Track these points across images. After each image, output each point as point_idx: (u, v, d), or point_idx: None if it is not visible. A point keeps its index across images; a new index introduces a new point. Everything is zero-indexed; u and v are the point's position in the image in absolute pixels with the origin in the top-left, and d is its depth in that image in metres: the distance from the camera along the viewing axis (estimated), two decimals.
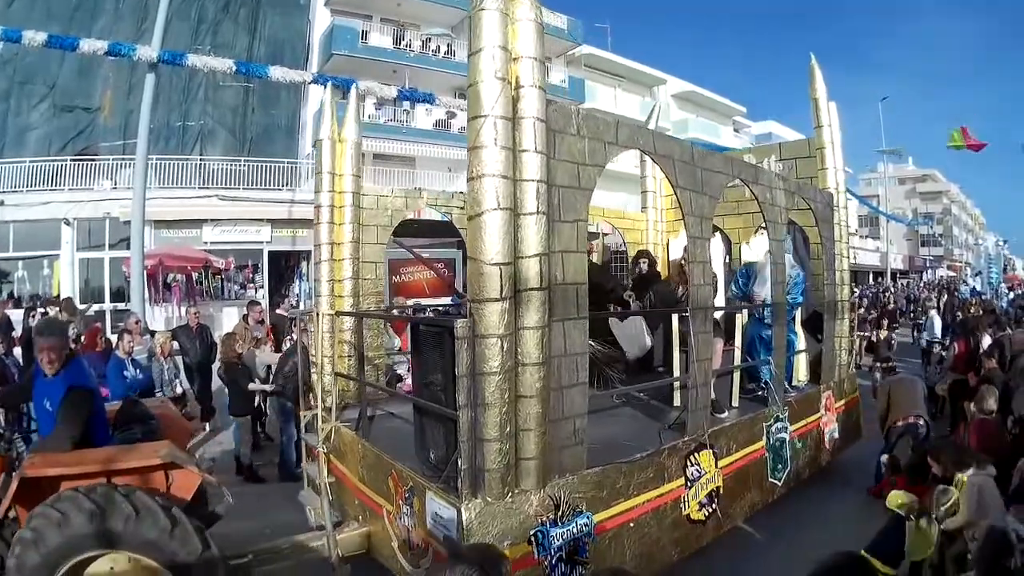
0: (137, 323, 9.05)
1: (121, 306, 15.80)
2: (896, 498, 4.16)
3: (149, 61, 12.97)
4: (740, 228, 6.94)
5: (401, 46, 22.19)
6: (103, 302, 16.68)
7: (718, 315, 5.57)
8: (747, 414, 4.88)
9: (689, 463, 4.14)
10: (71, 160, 16.27)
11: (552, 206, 3.27)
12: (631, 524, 3.72)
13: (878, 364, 8.56)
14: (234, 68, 14.98)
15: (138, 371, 6.73)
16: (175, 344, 7.83)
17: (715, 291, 5.01)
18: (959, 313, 14.05)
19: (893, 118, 50.83)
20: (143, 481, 3.43)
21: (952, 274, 46.53)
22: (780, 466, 5.06)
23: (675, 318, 4.89)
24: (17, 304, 14.26)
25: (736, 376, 5.14)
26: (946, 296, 20.99)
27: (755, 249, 6.19)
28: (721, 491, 4.40)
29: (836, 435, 5.99)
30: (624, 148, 3.75)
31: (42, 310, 11.49)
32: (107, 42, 13.52)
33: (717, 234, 6.39)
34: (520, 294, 3.12)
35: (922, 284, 36.49)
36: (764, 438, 4.90)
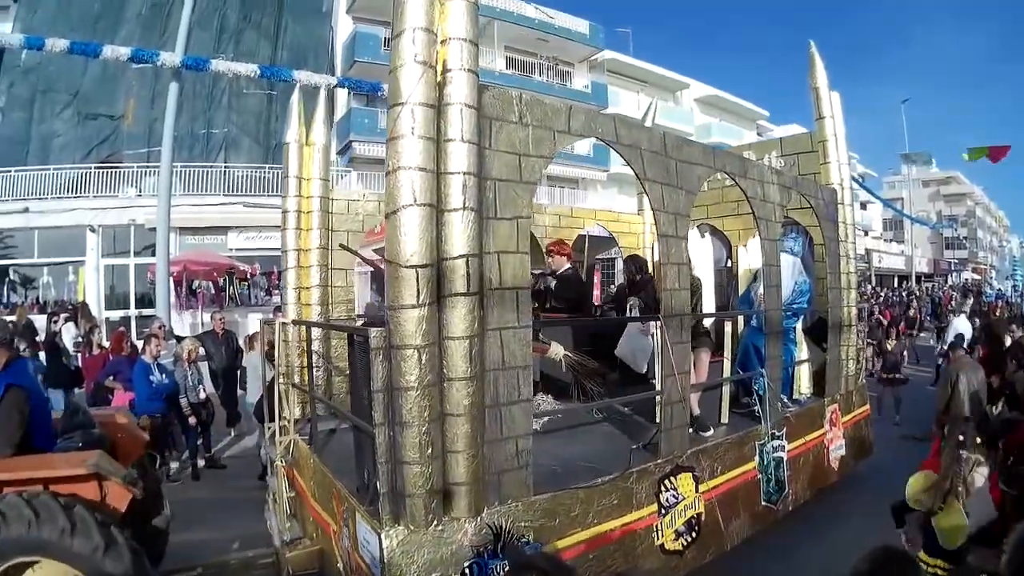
0: (162, 328, 9.18)
1: (146, 312, 16.04)
2: (916, 485, 3.61)
3: (172, 67, 13.15)
4: (740, 229, 6.44)
5: None
6: (128, 308, 16.98)
7: (708, 323, 5.16)
8: (737, 432, 4.44)
9: (663, 488, 3.74)
10: (95, 168, 16.57)
11: (486, 201, 2.95)
12: (591, 556, 3.34)
13: (884, 376, 8.05)
14: (258, 72, 15.16)
15: (164, 376, 6.84)
16: (201, 350, 7.82)
17: (695, 296, 4.59)
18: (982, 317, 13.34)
19: (916, 119, 49.49)
20: (78, 490, 3.38)
21: (977, 277, 45.41)
22: (776, 488, 4.59)
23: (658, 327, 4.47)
24: (42, 310, 14.54)
25: (726, 390, 4.69)
26: (971, 299, 20.25)
27: (752, 252, 5.70)
28: (703, 518, 3.98)
29: (843, 452, 5.47)
30: (578, 136, 3.40)
31: (65, 315, 11.64)
32: (130, 48, 13.75)
33: (707, 235, 5.94)
34: (444, 300, 2.80)
35: (947, 287, 35.52)
36: (756, 458, 4.45)
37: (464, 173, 2.81)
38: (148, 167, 16.92)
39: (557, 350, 4.82)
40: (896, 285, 37.93)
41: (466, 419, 2.81)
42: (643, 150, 3.67)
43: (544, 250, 5.84)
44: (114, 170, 16.72)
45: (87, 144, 17.20)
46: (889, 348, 9.17)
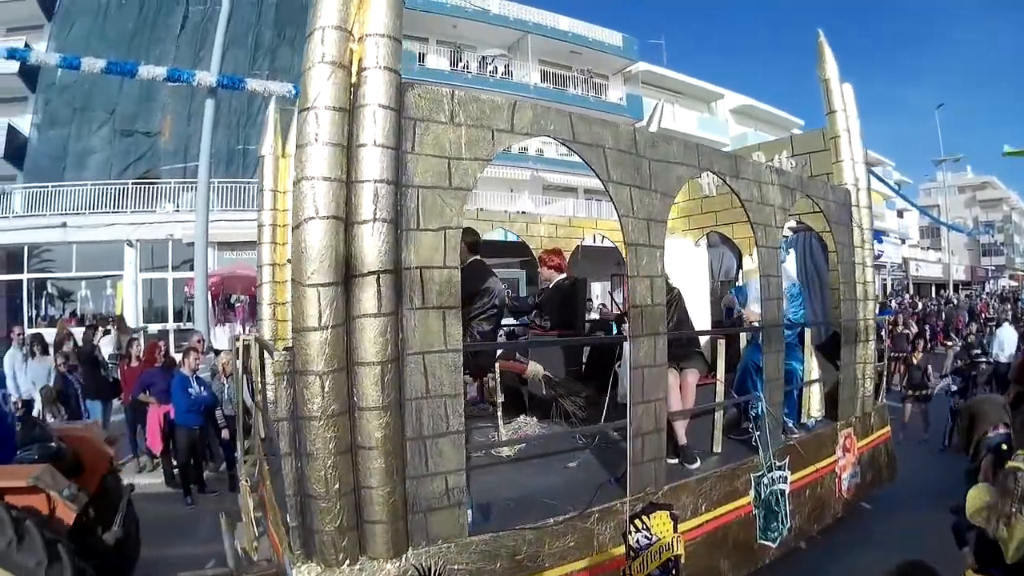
0: (200, 342, 9.21)
1: (184, 326, 16.38)
2: (976, 500, 3.12)
3: (208, 86, 13.39)
4: (751, 238, 5.90)
5: (458, 68, 22.27)
6: (166, 321, 17.37)
7: (704, 340, 4.72)
8: (729, 463, 3.98)
9: (633, 528, 3.34)
10: (133, 183, 17.02)
11: (406, 211, 2.67)
12: None
13: (910, 392, 7.57)
14: (293, 91, 15.32)
15: (202, 388, 6.93)
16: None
17: (680, 314, 4.17)
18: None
19: (950, 123, 47.87)
20: (31, 503, 3.40)
21: (1015, 284, 43.50)
22: (775, 524, 4.11)
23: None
24: (80, 323, 14.98)
25: (719, 416, 4.24)
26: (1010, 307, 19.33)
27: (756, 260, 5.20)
28: (682, 560, 3.55)
29: (857, 480, 4.91)
30: (524, 135, 3.07)
31: (103, 329, 11.92)
32: (165, 68, 14.10)
33: (703, 244, 5.48)
34: (354, 322, 2.53)
35: (984, 295, 34.38)
36: (752, 492, 3.98)
37: (376, 181, 2.54)
38: (185, 183, 17.31)
39: (536, 369, 4.48)
40: (934, 293, 37.14)
41: (379, 453, 2.54)
42: (607, 148, 3.31)
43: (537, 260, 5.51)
44: (151, 186, 17.15)
45: (124, 160, 17.70)
46: (915, 362, 8.44)
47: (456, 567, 2.76)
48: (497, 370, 4.23)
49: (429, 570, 2.70)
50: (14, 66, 15.73)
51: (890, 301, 22.75)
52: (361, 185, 2.53)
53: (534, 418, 4.73)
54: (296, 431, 2.53)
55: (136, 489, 7.31)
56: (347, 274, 2.51)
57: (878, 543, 4.77)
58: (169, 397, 6.80)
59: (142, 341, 10.93)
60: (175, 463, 6.98)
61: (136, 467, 7.79)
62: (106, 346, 10.23)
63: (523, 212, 13.92)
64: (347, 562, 2.55)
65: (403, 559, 2.64)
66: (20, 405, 7.78)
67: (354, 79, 2.58)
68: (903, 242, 40.03)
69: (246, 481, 4.32)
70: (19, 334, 9.51)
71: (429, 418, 2.68)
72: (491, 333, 4.14)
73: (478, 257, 4.34)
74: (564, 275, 5.21)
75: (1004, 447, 3.97)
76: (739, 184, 4.06)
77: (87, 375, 8.16)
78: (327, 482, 2.48)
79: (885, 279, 33.63)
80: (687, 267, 4.88)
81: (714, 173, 4.00)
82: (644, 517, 3.39)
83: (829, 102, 5.07)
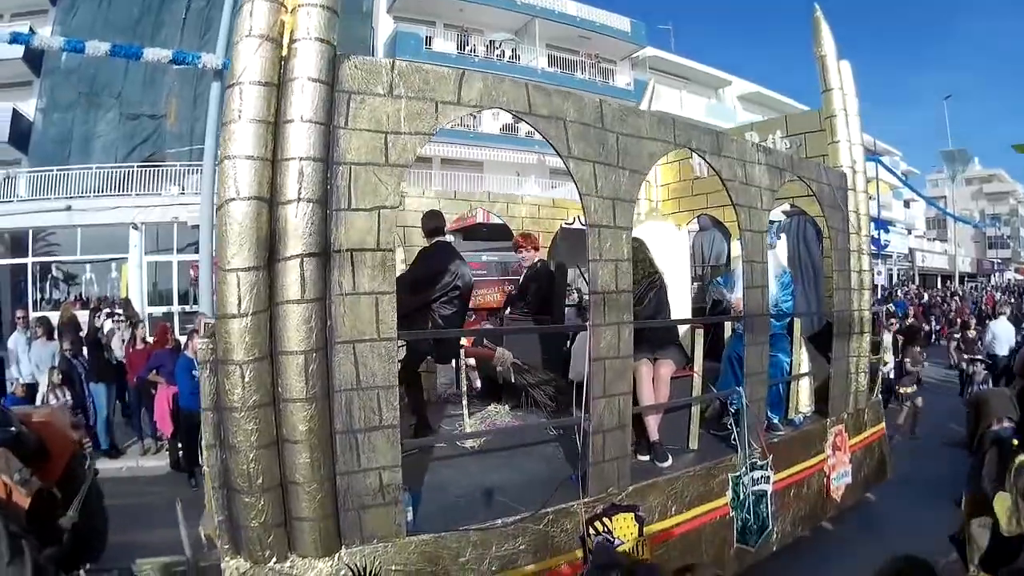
0: (205, 324, 9.01)
1: (188, 308, 16.38)
2: (1002, 512, 3.08)
3: (214, 69, 13.23)
4: None
5: (465, 51, 22.00)
6: (171, 304, 17.40)
7: (683, 329, 4.48)
8: (705, 462, 3.75)
9: (593, 531, 3.14)
10: (138, 166, 16.99)
11: (336, 190, 2.49)
12: None
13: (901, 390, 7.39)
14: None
15: None
16: None
17: (659, 301, 3.93)
18: None
19: (959, 115, 46.96)
20: None
21: (1020, 277, 42.88)
22: (755, 527, 3.88)
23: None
24: (85, 306, 15.01)
25: (695, 411, 4.01)
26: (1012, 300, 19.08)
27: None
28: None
29: (849, 479, 4.67)
30: (473, 108, 2.84)
31: (107, 311, 11.93)
32: (171, 51, 13.95)
33: (686, 228, 5.22)
34: (277, 308, 2.38)
35: (989, 287, 34.00)
36: (729, 492, 3.75)
37: (302, 159, 2.38)
38: (191, 166, 17.22)
39: (504, 356, 4.27)
40: (939, 285, 36.75)
41: (304, 446, 2.39)
42: (568, 121, 3.08)
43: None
44: (157, 169, 17.10)
45: (129, 144, 17.64)
46: (906, 358, 8.21)
47: (393, 568, 2.61)
48: (463, 356, 4.03)
49: (364, 570, 2.55)
50: (19, 50, 15.66)
51: (896, 291, 22.26)
52: (286, 163, 2.37)
53: (506, 407, 4.54)
54: (220, 423, 2.41)
55: (141, 472, 7.42)
56: (271, 258, 2.36)
57: (877, 536, 4.70)
58: (175, 379, 6.87)
59: (147, 325, 10.97)
60: (180, 445, 6.99)
61: (140, 450, 7.84)
62: (110, 330, 10.23)
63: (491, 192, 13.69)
64: (274, 559, 2.44)
65: (335, 558, 2.51)
66: (24, 388, 7.87)
67: (285, 52, 2.42)
68: (909, 232, 39.77)
69: (208, 468, 4.20)
70: (22, 317, 9.49)
71: (360, 411, 2.52)
72: (454, 317, 3.93)
73: (442, 239, 4.13)
74: (537, 257, 5.02)
75: (1016, 443, 3.79)
76: (721, 163, 3.79)
77: (91, 358, 8.10)
78: (250, 476, 2.36)
79: (891, 269, 33.24)
80: (667, 252, 4.63)
81: (692, 150, 3.74)
82: (605, 519, 3.19)
83: (825, 80, 4.75)
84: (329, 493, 2.47)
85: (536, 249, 5.06)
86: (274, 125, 2.39)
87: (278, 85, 2.40)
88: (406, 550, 2.64)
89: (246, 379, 2.31)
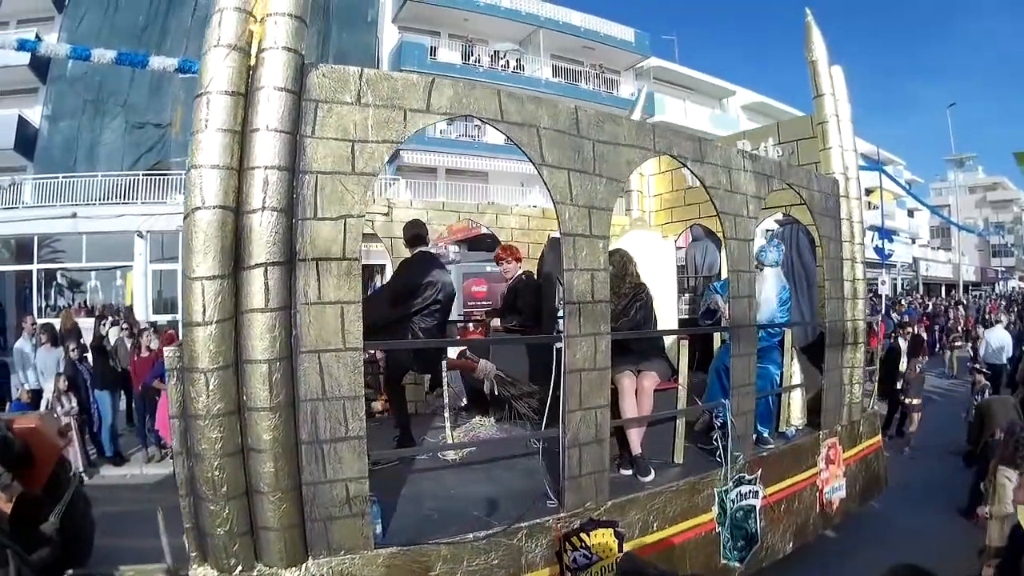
0: None
1: None
2: None
3: None
4: None
5: (470, 61, 22.05)
6: (176, 312, 17.43)
7: (670, 340, 4.40)
8: (689, 476, 3.67)
9: (570, 546, 3.07)
10: (144, 174, 17.07)
11: (302, 199, 2.48)
12: None
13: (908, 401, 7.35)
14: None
15: None
16: None
17: (645, 311, 3.86)
18: None
19: (962, 123, 47.03)
20: None
21: None
22: (742, 543, 3.79)
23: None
24: (90, 313, 15.08)
25: (680, 424, 3.93)
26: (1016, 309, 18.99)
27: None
28: None
29: (843, 492, 4.57)
30: (443, 115, 2.83)
31: (111, 319, 11.98)
32: (177, 59, 14.05)
33: (672, 236, 5.14)
34: (243, 316, 2.38)
35: (993, 296, 34.17)
36: (715, 508, 3.67)
37: (267, 167, 2.38)
38: None
39: (487, 367, 4.21)
40: (944, 294, 36.57)
41: (269, 456, 2.38)
42: (541, 128, 3.04)
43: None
44: (162, 177, 17.19)
45: (135, 152, 17.71)
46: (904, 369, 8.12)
47: None
48: (444, 368, 3.97)
49: None
50: (25, 57, 15.84)
51: (901, 300, 22.03)
52: (252, 172, 2.38)
53: (491, 419, 4.47)
54: (185, 430, 2.41)
55: (145, 479, 7.39)
56: (235, 267, 2.36)
57: (878, 543, 4.71)
58: None
59: (151, 333, 10.97)
60: None
61: (145, 457, 7.84)
62: (114, 337, 10.23)
63: (492, 203, 13.59)
64: (240, 568, 2.43)
65: (302, 568, 2.49)
66: (30, 394, 7.89)
67: (253, 61, 2.43)
68: (913, 241, 39.68)
69: (176, 475, 4.17)
70: (32, 324, 9.52)
71: (326, 421, 2.50)
72: (435, 330, 3.87)
73: (423, 249, 4.09)
74: (520, 269, 4.97)
75: None
76: (704, 170, 3.73)
77: (96, 365, 8.15)
78: (215, 484, 2.35)
79: (895, 278, 33.04)
80: (653, 261, 4.56)
81: (673, 157, 3.68)
82: (583, 535, 3.12)
83: (816, 85, 4.69)
84: (294, 503, 2.44)
85: (518, 260, 5.01)
86: (241, 134, 2.39)
87: (245, 94, 2.40)
88: (374, 562, 2.61)
89: (211, 387, 2.30)
